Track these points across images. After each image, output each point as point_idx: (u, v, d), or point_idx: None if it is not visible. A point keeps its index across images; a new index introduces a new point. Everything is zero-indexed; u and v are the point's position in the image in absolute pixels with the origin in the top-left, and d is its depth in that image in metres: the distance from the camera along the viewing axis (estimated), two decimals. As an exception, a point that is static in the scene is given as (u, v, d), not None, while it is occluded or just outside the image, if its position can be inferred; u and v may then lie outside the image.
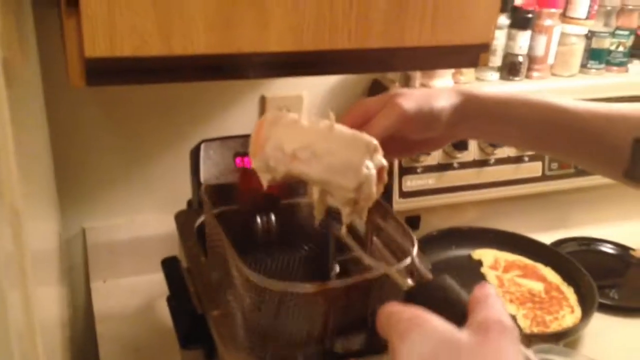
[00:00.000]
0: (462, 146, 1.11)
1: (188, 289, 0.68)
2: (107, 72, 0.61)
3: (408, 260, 0.61)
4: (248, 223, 0.84)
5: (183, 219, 0.81)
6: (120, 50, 0.60)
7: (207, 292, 0.67)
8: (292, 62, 0.69)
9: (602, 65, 1.23)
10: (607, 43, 1.21)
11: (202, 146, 0.85)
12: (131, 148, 1.03)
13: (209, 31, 0.62)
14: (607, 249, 1.24)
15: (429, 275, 0.61)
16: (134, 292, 1.04)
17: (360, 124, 0.66)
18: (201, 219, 0.81)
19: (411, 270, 0.61)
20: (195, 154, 0.85)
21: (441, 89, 0.72)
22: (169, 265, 0.72)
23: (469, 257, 1.17)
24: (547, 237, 1.22)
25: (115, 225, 1.06)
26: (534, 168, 1.19)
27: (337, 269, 0.77)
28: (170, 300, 0.68)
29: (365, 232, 0.76)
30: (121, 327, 0.97)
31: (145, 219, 1.06)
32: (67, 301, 0.96)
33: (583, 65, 1.23)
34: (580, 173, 1.22)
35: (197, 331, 0.65)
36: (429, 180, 1.12)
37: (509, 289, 1.08)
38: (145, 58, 0.61)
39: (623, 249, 1.23)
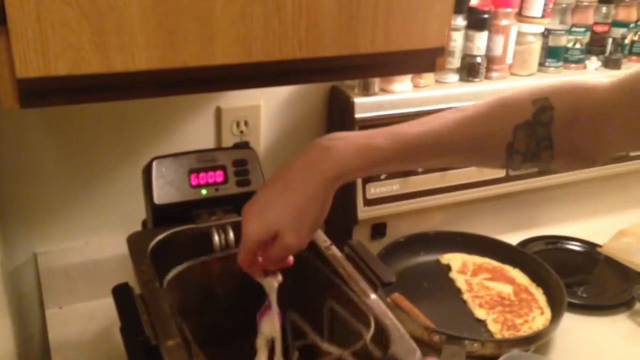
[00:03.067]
0: (424, 150, 1.09)
1: (141, 317, 0.64)
2: (42, 92, 0.57)
3: (361, 344, 0.59)
4: (205, 241, 0.81)
5: (136, 241, 0.77)
6: (55, 69, 0.56)
7: (161, 321, 0.64)
8: (243, 75, 0.66)
9: (560, 63, 1.23)
10: (563, 40, 1.21)
11: (154, 164, 0.81)
12: (83, 168, 0.98)
13: (150, 46, 0.59)
14: (574, 246, 1.24)
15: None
16: (91, 317, 1.00)
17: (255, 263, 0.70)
18: (156, 239, 0.78)
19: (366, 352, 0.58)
20: (147, 173, 0.81)
21: (309, 196, 0.67)
22: (120, 293, 0.68)
23: (437, 262, 1.15)
24: (514, 238, 1.21)
25: (69, 249, 1.01)
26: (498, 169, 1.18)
27: (297, 355, 0.75)
28: (122, 330, 0.64)
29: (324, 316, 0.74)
30: (78, 356, 0.92)
31: (100, 241, 1.02)
32: (16, 332, 0.92)
33: (541, 64, 1.22)
34: (543, 172, 1.21)
35: (153, 362, 0.61)
36: (394, 187, 1.10)
37: (478, 293, 1.07)
38: (82, 76, 0.57)
39: (590, 245, 1.22)
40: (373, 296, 0.69)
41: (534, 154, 0.68)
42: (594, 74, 1.24)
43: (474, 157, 0.74)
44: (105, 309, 0.97)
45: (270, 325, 0.71)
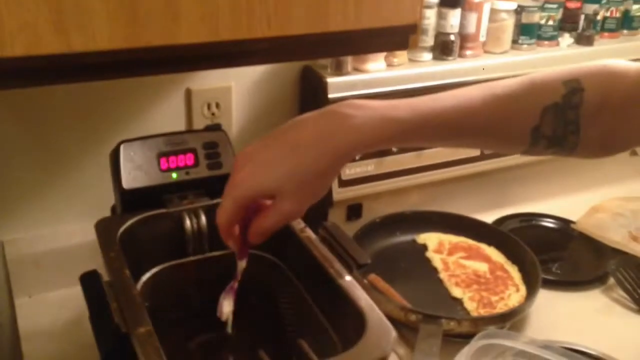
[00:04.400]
0: (398, 130, 1.08)
1: (110, 305, 0.62)
2: (-1, 74, 0.55)
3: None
4: (176, 226, 0.79)
5: (104, 228, 0.75)
6: (12, 50, 0.54)
7: (130, 308, 0.62)
8: (210, 55, 0.64)
9: (533, 40, 1.22)
10: (536, 17, 1.20)
11: (122, 148, 0.79)
12: (49, 154, 0.96)
13: (112, 25, 0.57)
14: (548, 223, 1.24)
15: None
16: (62, 306, 0.97)
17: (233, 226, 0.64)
18: (125, 225, 0.76)
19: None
20: (114, 157, 0.79)
21: (318, 171, 0.61)
22: (89, 280, 0.66)
23: (414, 241, 1.14)
24: (489, 216, 1.21)
25: (38, 237, 0.99)
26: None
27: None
28: (91, 318, 0.63)
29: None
30: (49, 345, 0.90)
31: (69, 228, 0.99)
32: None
33: (514, 42, 1.21)
34: (518, 150, 1.21)
35: (122, 351, 0.60)
36: (369, 167, 1.09)
37: (454, 272, 1.07)
38: (41, 57, 0.55)
39: (564, 222, 1.23)
40: (348, 278, 0.68)
41: (559, 139, 0.65)
42: (566, 51, 1.24)
43: (497, 140, 0.68)
44: (76, 297, 0.94)
45: (228, 307, 0.69)
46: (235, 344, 0.76)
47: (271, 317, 0.80)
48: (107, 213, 0.85)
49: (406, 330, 0.91)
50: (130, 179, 0.78)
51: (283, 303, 0.80)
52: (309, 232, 0.76)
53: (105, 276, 0.69)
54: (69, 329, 0.94)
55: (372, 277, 1.00)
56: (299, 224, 0.77)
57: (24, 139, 0.94)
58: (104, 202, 0.86)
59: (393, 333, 0.61)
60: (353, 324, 0.64)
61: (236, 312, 0.68)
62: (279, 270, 0.80)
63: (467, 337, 0.88)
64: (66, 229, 1.00)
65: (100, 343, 0.60)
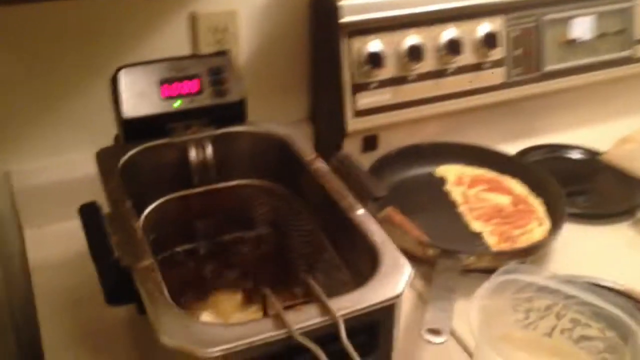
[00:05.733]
0: (417, 56, 1.02)
1: (110, 238, 0.59)
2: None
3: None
4: (180, 156, 0.75)
5: (105, 157, 0.72)
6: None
7: (131, 241, 0.59)
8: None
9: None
10: None
11: (121, 74, 0.74)
12: (50, 83, 0.91)
13: None
14: (575, 155, 1.18)
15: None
16: (71, 237, 0.94)
17: None
18: (127, 155, 0.72)
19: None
20: (114, 84, 0.75)
21: None
22: (87, 213, 0.63)
23: (432, 174, 1.09)
24: (512, 147, 1.15)
25: (43, 167, 0.96)
26: (496, 75, 1.11)
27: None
28: (91, 252, 0.60)
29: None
30: (59, 277, 0.89)
31: (74, 158, 0.96)
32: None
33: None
34: (545, 77, 1.14)
35: (125, 286, 0.57)
36: (385, 96, 1.03)
37: (474, 205, 1.02)
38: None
39: (591, 153, 1.17)
40: (361, 211, 0.64)
41: None
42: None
43: None
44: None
45: None
46: (241, 277, 0.73)
47: (280, 250, 0.77)
48: (110, 142, 0.81)
49: (424, 265, 0.88)
50: (131, 107, 0.74)
51: (293, 236, 0.76)
52: (320, 163, 0.71)
53: (106, 208, 0.65)
54: (78, 261, 0.92)
55: (389, 210, 0.96)
56: (310, 154, 0.73)
57: (23, 68, 0.89)
58: (108, 131, 0.82)
59: (408, 269, 0.57)
60: (366, 259, 0.61)
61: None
62: (289, 201, 0.76)
63: (487, 272, 0.85)
64: (72, 159, 0.97)
65: (102, 278, 0.58)
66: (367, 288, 0.55)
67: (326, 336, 0.51)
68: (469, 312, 0.67)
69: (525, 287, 0.78)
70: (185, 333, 0.50)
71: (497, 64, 1.10)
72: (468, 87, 1.09)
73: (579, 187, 1.09)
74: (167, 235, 0.73)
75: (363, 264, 0.62)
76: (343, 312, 0.52)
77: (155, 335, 0.51)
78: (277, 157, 0.77)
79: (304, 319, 0.52)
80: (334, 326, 0.51)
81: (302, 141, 0.75)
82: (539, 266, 0.92)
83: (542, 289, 0.77)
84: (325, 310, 0.52)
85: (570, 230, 0.96)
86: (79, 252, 0.93)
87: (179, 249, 0.75)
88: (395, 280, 0.56)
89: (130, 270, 0.57)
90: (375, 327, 0.55)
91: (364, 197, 0.67)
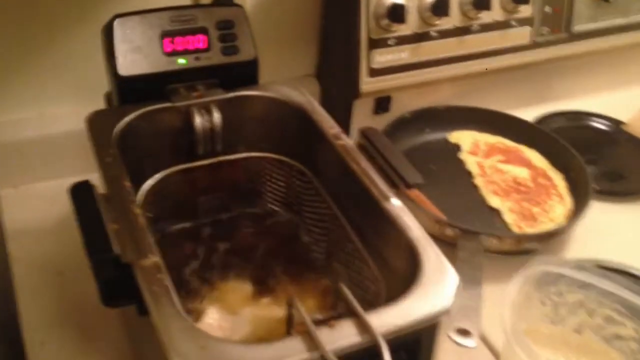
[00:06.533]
0: (442, 11, 0.92)
1: (107, 227, 0.50)
2: None
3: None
4: (183, 123, 0.66)
5: (98, 124, 0.62)
6: None
7: (133, 233, 0.50)
8: None
9: None
10: None
11: (116, 24, 0.64)
12: (34, 27, 0.80)
13: None
14: (597, 123, 1.11)
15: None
16: (52, 200, 0.86)
17: None
18: (123, 122, 0.62)
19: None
20: (107, 35, 0.64)
21: None
22: (79, 195, 0.54)
23: (446, 140, 1.02)
24: (530, 113, 1.08)
25: (22, 120, 0.86)
26: (522, 34, 1.01)
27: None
28: (85, 244, 0.51)
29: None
30: (39, 245, 0.80)
31: (57, 112, 0.86)
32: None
33: None
34: (573, 37, 1.05)
35: (124, 284, 0.49)
36: (402, 54, 0.94)
37: (491, 177, 0.95)
38: None
39: (613, 122, 1.10)
40: (396, 202, 0.56)
41: None
42: None
43: None
44: (65, 191, 0.84)
45: None
46: (249, 264, 0.65)
47: (293, 234, 0.69)
48: (99, 97, 0.71)
49: (442, 245, 0.81)
50: (128, 63, 0.64)
51: (309, 220, 0.68)
52: (346, 140, 0.62)
53: (99, 187, 0.56)
54: (61, 226, 0.83)
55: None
56: (332, 128, 0.64)
57: (5, 10, 0.78)
58: (95, 85, 0.72)
59: (455, 278, 0.50)
60: (401, 258, 0.54)
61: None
62: (305, 180, 0.68)
63: (508, 254, 0.79)
64: (53, 113, 0.87)
65: (98, 275, 0.49)
66: (409, 299, 0.48)
67: (363, 357, 0.44)
68: (497, 308, 0.61)
69: (556, 280, 0.72)
70: (202, 356, 0.42)
71: (524, 22, 1.00)
72: (492, 46, 1.00)
73: (600, 159, 1.02)
74: (166, 214, 0.65)
75: (396, 262, 0.55)
76: (385, 329, 0.45)
77: (164, 353, 0.43)
78: (293, 127, 0.68)
79: (338, 337, 0.44)
80: (374, 347, 0.44)
81: (324, 111, 0.66)
82: (560, 247, 0.86)
83: (574, 282, 0.71)
84: (364, 327, 0.45)
85: (592, 207, 0.89)
86: (61, 216, 0.84)
87: (178, 227, 0.67)
88: (441, 290, 0.49)
89: (131, 267, 0.48)
90: (416, 344, 0.48)
91: (395, 183, 0.59)
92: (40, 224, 0.83)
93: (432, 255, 0.52)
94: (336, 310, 0.51)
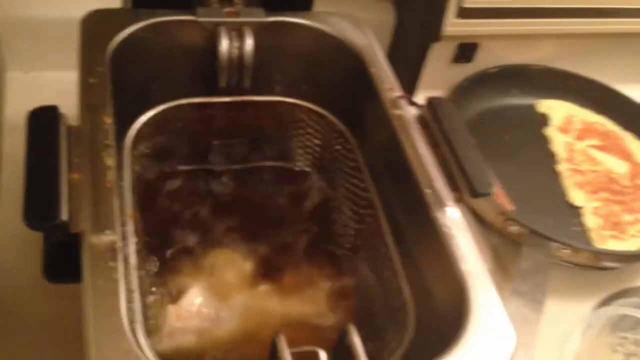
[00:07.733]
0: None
1: (61, 175, 0.38)
2: None
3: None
4: (207, 45, 0.51)
5: (93, 28, 0.48)
6: None
7: (95, 189, 0.37)
8: None
9: None
10: None
11: None
12: None
13: None
14: None
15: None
16: (64, 94, 0.74)
17: None
18: (125, 33, 0.48)
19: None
20: None
21: None
22: (40, 122, 0.40)
23: (533, 108, 0.86)
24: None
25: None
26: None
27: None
28: (25, 200, 0.38)
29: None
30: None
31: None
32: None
33: None
34: None
35: (71, 251, 0.37)
36: (501, -4, 0.76)
37: (579, 165, 0.79)
38: None
39: None
40: (454, 212, 0.41)
41: None
42: None
43: None
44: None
45: None
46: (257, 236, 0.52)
47: (318, 206, 0.55)
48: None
49: (501, 240, 0.67)
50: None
51: (341, 194, 0.54)
52: (405, 109, 0.47)
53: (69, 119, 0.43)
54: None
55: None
56: (391, 90, 0.48)
57: None
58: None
59: (513, 337, 0.36)
60: (444, 288, 0.40)
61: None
62: (348, 147, 0.53)
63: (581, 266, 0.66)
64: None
65: (45, 245, 0.37)
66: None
67: None
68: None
69: (635, 325, 0.57)
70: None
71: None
72: (616, 4, 0.80)
73: None
74: (167, 155, 0.52)
75: (437, 291, 0.41)
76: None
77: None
78: (343, 76, 0.52)
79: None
80: None
81: (387, 64, 0.50)
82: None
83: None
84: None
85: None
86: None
87: (180, 171, 0.54)
88: (493, 353, 0.35)
89: (79, 240, 0.36)
90: None
91: (458, 185, 0.43)
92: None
93: (486, 301, 0.37)
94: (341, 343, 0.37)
